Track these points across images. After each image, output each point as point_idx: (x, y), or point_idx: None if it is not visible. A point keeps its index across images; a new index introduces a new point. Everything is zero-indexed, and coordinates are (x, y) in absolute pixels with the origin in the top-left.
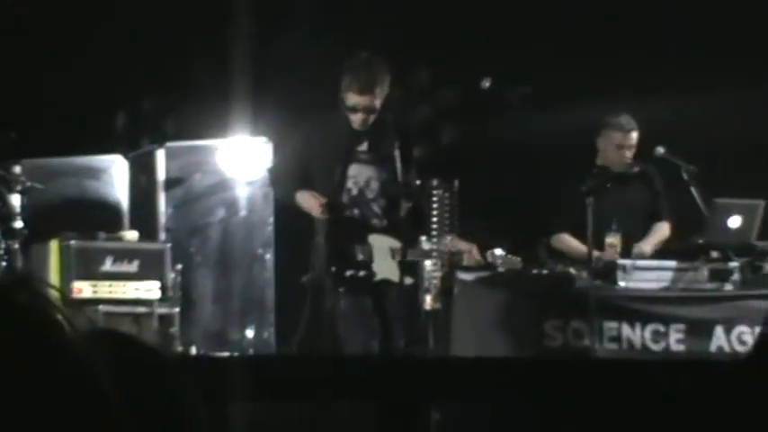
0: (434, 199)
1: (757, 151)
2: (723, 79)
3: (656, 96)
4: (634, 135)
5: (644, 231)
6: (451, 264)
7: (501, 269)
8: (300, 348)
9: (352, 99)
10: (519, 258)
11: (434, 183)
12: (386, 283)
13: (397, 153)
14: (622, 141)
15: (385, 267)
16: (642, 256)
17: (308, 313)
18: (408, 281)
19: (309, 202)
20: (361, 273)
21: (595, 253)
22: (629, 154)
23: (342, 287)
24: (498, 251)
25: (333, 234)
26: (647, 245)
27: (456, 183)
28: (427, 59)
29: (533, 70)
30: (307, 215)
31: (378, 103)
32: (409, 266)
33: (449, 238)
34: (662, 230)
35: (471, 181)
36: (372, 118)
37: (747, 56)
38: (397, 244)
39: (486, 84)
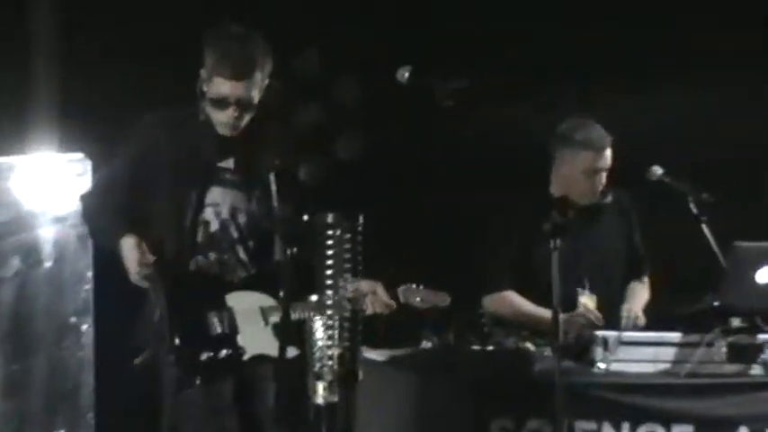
0: (329, 242)
1: None
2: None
3: (634, 95)
4: (609, 153)
5: (621, 290)
6: (351, 323)
7: (421, 305)
8: None
9: (220, 87)
10: (444, 294)
11: (329, 218)
12: (258, 361)
13: (273, 175)
14: (595, 164)
15: (256, 338)
16: (635, 324)
17: (145, 410)
18: (292, 354)
19: (129, 255)
20: (223, 353)
21: (563, 316)
22: (603, 179)
23: (194, 376)
24: (413, 286)
25: (176, 297)
26: (638, 307)
27: (360, 218)
28: (319, 42)
29: (472, 59)
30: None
31: (256, 95)
32: (292, 333)
33: (344, 282)
34: (644, 292)
35: (381, 215)
36: (246, 118)
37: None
38: (269, 301)
39: (405, 75)
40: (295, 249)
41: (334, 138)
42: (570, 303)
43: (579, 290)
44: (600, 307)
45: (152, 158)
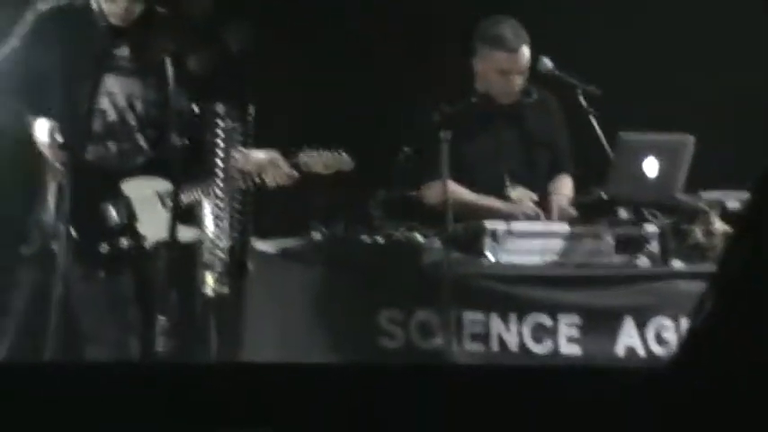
0: (219, 132)
1: (680, 69)
2: None
3: None
4: (526, 53)
5: (542, 188)
6: (242, 213)
7: (324, 170)
8: (12, 354)
9: None
10: (347, 156)
11: (220, 108)
12: (161, 248)
13: (169, 62)
14: (509, 65)
15: (155, 224)
16: (564, 217)
17: (29, 303)
18: (189, 237)
19: (45, 138)
20: (123, 243)
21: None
22: (519, 80)
23: (97, 268)
24: (314, 151)
25: (73, 185)
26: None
27: (252, 108)
28: None
29: None
30: (33, 151)
31: None
32: (187, 218)
33: (237, 154)
34: (566, 187)
35: (274, 104)
36: (138, 7)
37: None
38: (166, 186)
39: None
40: (186, 139)
41: (223, 27)
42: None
43: (506, 189)
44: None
45: (44, 48)
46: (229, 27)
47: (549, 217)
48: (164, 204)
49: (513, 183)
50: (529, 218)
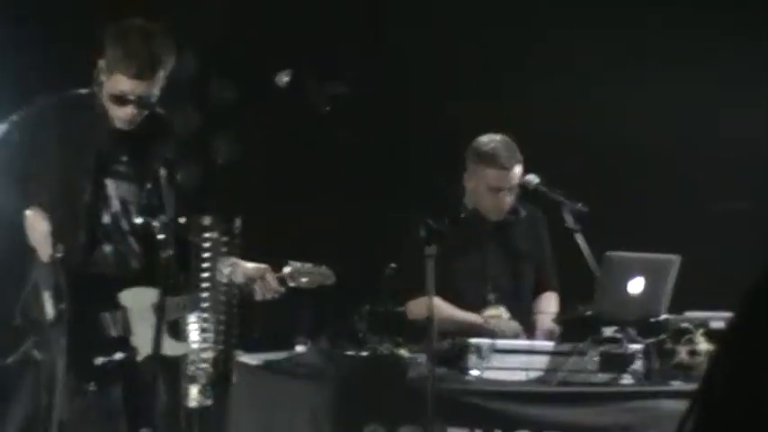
0: (206, 245)
1: (665, 191)
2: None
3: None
4: (517, 172)
5: (522, 310)
6: (226, 326)
7: (308, 284)
8: None
9: (122, 84)
10: (329, 270)
11: (206, 220)
12: (149, 362)
13: (163, 169)
14: (501, 183)
15: (148, 337)
16: (550, 338)
17: (22, 410)
18: (178, 351)
19: (39, 232)
20: (118, 356)
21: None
22: (508, 198)
23: (90, 381)
24: (298, 264)
25: (73, 296)
26: (551, 320)
27: (238, 222)
28: (193, 45)
29: (348, 65)
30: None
31: (156, 92)
32: (176, 330)
33: (226, 266)
34: (553, 304)
35: (259, 220)
36: (143, 114)
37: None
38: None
39: (285, 79)
40: (171, 252)
41: (211, 140)
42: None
43: (483, 309)
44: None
45: (45, 144)
46: (215, 140)
47: (533, 336)
48: (153, 317)
49: (498, 300)
50: (509, 336)
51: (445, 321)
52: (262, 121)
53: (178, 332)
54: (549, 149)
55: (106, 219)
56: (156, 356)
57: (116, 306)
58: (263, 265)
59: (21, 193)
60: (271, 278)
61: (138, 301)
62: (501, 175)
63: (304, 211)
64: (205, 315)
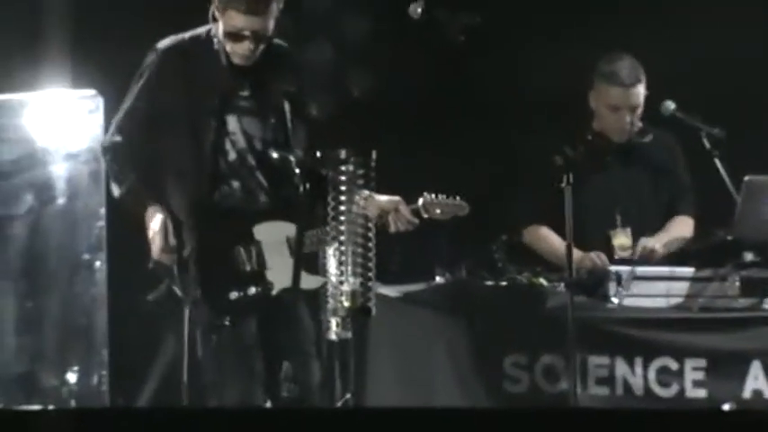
0: (342, 178)
1: None
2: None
3: (657, 35)
4: (640, 91)
5: (657, 227)
6: (364, 258)
7: (442, 216)
8: (152, 401)
9: (236, 21)
10: (463, 202)
11: (342, 153)
12: (286, 295)
13: (287, 103)
14: (621, 101)
15: (284, 271)
16: (648, 258)
17: (166, 348)
18: (313, 284)
19: (154, 236)
20: (252, 290)
21: (579, 254)
22: (629, 118)
23: (224, 316)
24: (432, 196)
25: (203, 233)
26: (657, 241)
27: (373, 153)
28: None
29: None
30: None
31: (271, 26)
32: (311, 263)
33: (360, 197)
34: (681, 227)
35: (395, 150)
36: (261, 49)
37: None
38: (295, 231)
39: (418, 10)
40: (308, 185)
41: (345, 73)
42: (604, 240)
43: (611, 231)
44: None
45: (167, 89)
46: (351, 72)
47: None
48: (291, 251)
49: (624, 222)
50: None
51: (551, 253)
52: (397, 53)
53: (314, 266)
54: (686, 74)
55: (232, 155)
56: (296, 290)
57: (249, 240)
58: (396, 198)
59: (146, 183)
60: (404, 210)
61: (273, 234)
62: (621, 92)
63: (438, 142)
64: (343, 248)
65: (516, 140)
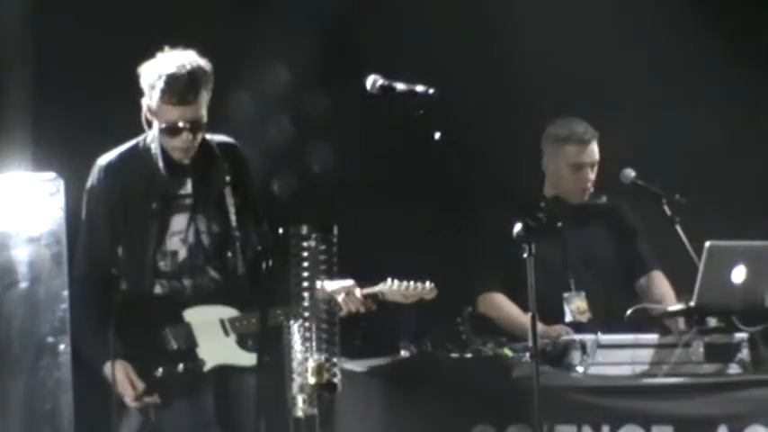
0: (304, 254)
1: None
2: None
3: (613, 107)
4: (594, 148)
5: (616, 293)
6: (329, 333)
7: (404, 299)
8: None
9: (171, 114)
10: (429, 286)
11: (303, 230)
12: (228, 371)
13: (228, 191)
14: (579, 158)
15: (217, 350)
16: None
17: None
18: (246, 362)
19: (121, 385)
20: (180, 367)
21: (542, 328)
22: (591, 176)
23: (152, 391)
24: (394, 282)
25: (133, 320)
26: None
27: (335, 229)
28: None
29: (443, 69)
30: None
31: (204, 113)
32: (244, 344)
33: (320, 285)
34: (665, 285)
35: (354, 227)
36: (199, 139)
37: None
38: (229, 313)
39: (377, 83)
40: (270, 262)
41: (304, 150)
42: (558, 306)
43: (565, 294)
44: (590, 307)
45: (109, 201)
46: (311, 150)
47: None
48: (225, 332)
49: (579, 286)
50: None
51: (507, 321)
52: (355, 129)
53: (246, 344)
54: (644, 144)
55: (183, 254)
56: (262, 366)
57: (179, 322)
58: (348, 282)
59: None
60: (357, 294)
61: (203, 316)
62: (581, 149)
63: (400, 216)
64: (307, 324)
65: (475, 211)
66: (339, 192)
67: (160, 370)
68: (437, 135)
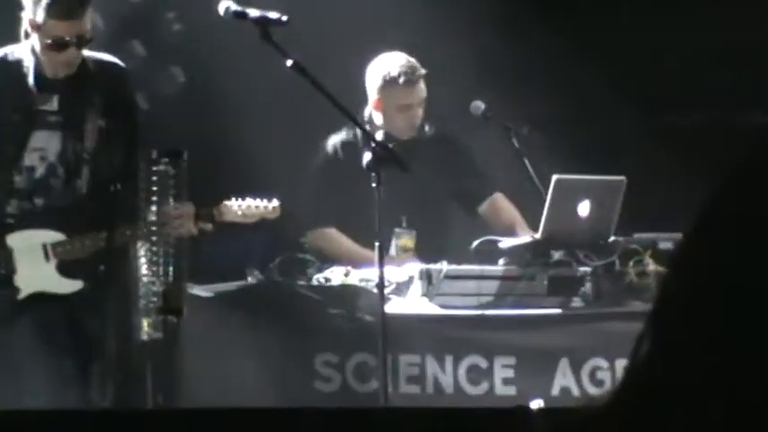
0: (154, 178)
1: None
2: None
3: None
4: (421, 87)
5: (458, 225)
6: (176, 258)
7: (244, 219)
8: None
9: (58, 29)
10: (273, 203)
11: (153, 154)
12: (45, 299)
13: (94, 112)
14: (406, 99)
15: (35, 276)
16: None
17: None
18: (67, 289)
19: None
20: None
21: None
22: (420, 112)
23: None
24: (234, 201)
25: None
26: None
27: (185, 154)
28: None
29: None
30: None
31: (90, 29)
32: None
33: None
34: (509, 208)
35: (204, 154)
36: (81, 56)
37: None
38: (54, 237)
39: (230, 8)
40: (119, 185)
41: (155, 73)
42: (388, 242)
43: (396, 230)
44: (418, 244)
45: None
46: (161, 73)
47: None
48: (47, 257)
49: (410, 225)
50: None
51: (342, 255)
52: (206, 53)
53: (69, 271)
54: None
55: (40, 171)
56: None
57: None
58: (186, 205)
59: None
60: (190, 217)
61: (26, 241)
62: (408, 90)
63: (254, 140)
64: (154, 248)
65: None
66: (190, 116)
67: None
68: (289, 62)
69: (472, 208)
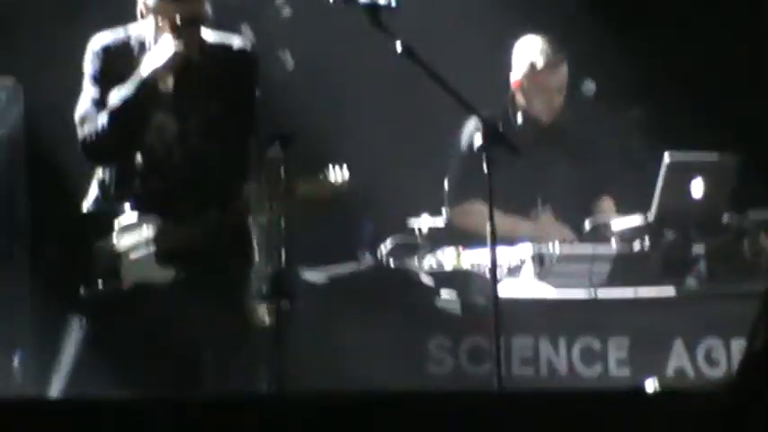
0: (266, 161)
1: (721, 86)
2: None
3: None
4: (563, 71)
5: (577, 211)
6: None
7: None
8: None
9: (177, 9)
10: (337, 170)
11: (265, 139)
12: (147, 289)
13: (210, 94)
14: (548, 81)
15: (139, 266)
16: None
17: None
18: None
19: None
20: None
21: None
22: (558, 98)
23: (74, 312)
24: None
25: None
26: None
27: (295, 139)
28: None
29: None
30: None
31: (208, 9)
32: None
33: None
34: (609, 211)
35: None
36: (199, 37)
37: None
38: (167, 225)
39: None
40: (231, 169)
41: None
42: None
43: (532, 209)
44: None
45: (108, 81)
46: (270, 58)
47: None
48: (147, 246)
49: (545, 205)
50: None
51: (498, 225)
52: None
53: (167, 259)
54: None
55: (159, 151)
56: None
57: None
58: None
59: None
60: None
61: (133, 232)
62: (549, 72)
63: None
64: (265, 233)
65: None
66: (298, 101)
67: (83, 289)
68: (399, 47)
69: (589, 201)
